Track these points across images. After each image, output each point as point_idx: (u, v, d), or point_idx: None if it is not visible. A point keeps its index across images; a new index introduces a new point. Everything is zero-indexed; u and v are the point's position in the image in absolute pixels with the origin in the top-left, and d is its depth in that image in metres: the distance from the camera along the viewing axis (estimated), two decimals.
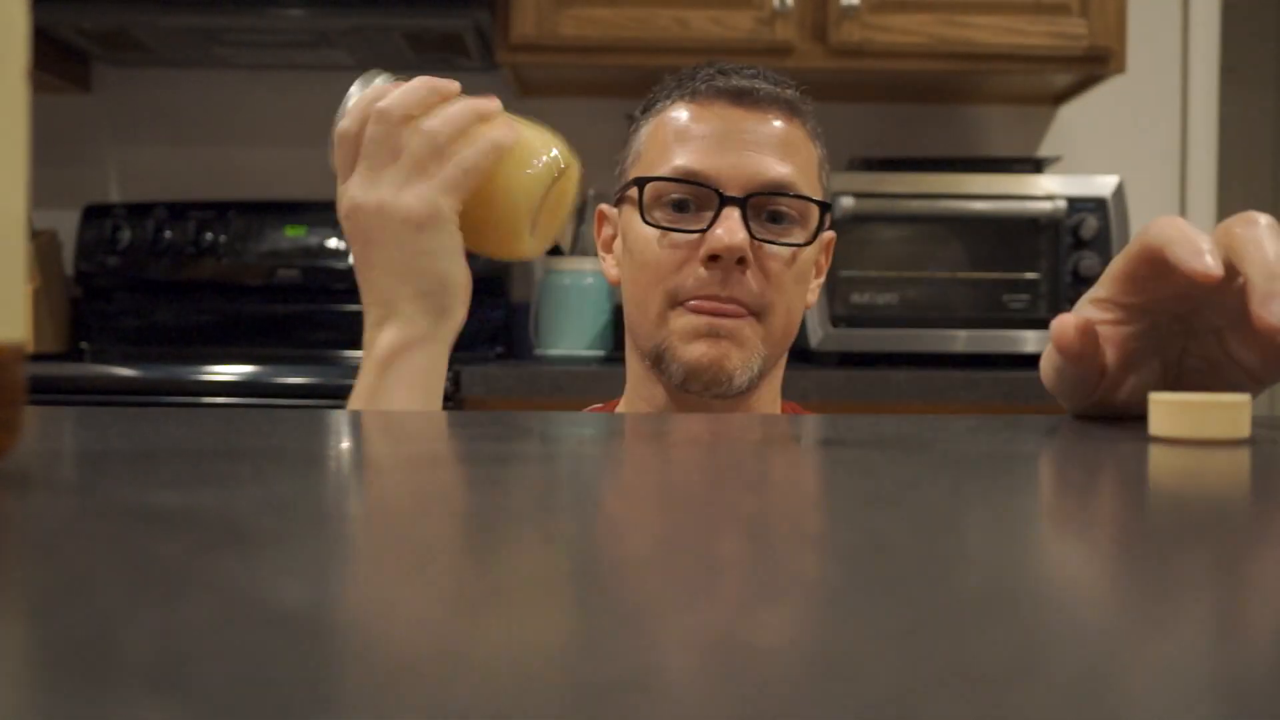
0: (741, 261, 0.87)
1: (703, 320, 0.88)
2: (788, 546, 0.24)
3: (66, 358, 1.85)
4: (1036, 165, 1.92)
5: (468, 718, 0.12)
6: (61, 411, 0.55)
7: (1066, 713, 0.13)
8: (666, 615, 0.17)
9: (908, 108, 2.25)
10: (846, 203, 1.76)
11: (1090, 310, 0.59)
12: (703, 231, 0.88)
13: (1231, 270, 0.50)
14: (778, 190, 0.89)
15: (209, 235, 1.95)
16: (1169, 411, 0.45)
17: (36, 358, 1.72)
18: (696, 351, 0.88)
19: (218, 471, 0.32)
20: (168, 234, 1.96)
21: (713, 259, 0.87)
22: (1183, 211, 2.25)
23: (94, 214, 2.01)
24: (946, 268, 1.81)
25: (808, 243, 0.90)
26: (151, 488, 0.29)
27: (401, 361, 0.72)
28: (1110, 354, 0.57)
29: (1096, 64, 1.92)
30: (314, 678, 0.14)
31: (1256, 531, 0.27)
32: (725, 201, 0.87)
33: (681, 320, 0.88)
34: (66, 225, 2.08)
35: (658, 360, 0.90)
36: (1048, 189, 1.82)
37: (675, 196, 0.90)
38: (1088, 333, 0.55)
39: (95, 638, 0.15)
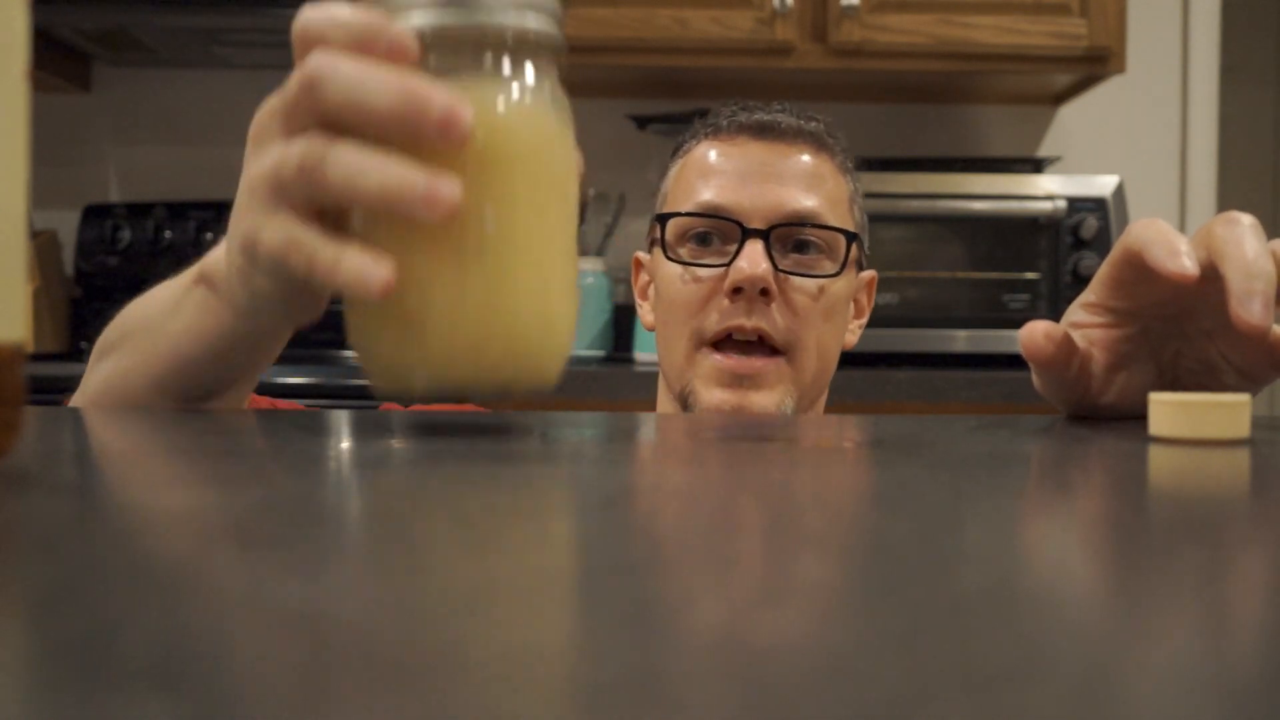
0: (765, 293, 0.85)
1: (726, 365, 0.86)
2: (788, 547, 0.24)
3: (66, 358, 1.85)
4: (1036, 165, 1.92)
5: (468, 718, 0.12)
6: (61, 411, 0.55)
7: (1066, 713, 0.13)
8: (667, 615, 0.17)
9: (908, 108, 2.25)
10: None
11: (1080, 314, 0.59)
12: (726, 265, 0.86)
13: (1216, 271, 0.50)
14: (802, 221, 0.87)
15: (209, 235, 1.95)
16: (1169, 411, 0.45)
17: (36, 358, 1.72)
18: (717, 398, 0.86)
19: (218, 471, 0.32)
20: (168, 234, 1.96)
21: (736, 291, 0.85)
22: (1182, 211, 2.25)
23: (94, 214, 2.01)
24: (946, 268, 1.81)
25: (836, 274, 0.88)
26: (151, 488, 0.29)
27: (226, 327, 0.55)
28: (1100, 357, 0.57)
29: (1096, 64, 1.92)
30: (314, 678, 0.14)
31: (1256, 531, 0.27)
32: (748, 234, 0.86)
33: (706, 363, 0.87)
34: (66, 225, 2.08)
35: (684, 403, 0.89)
36: (1048, 189, 1.82)
37: (699, 231, 0.89)
38: (1054, 338, 0.55)
39: (95, 638, 0.15)
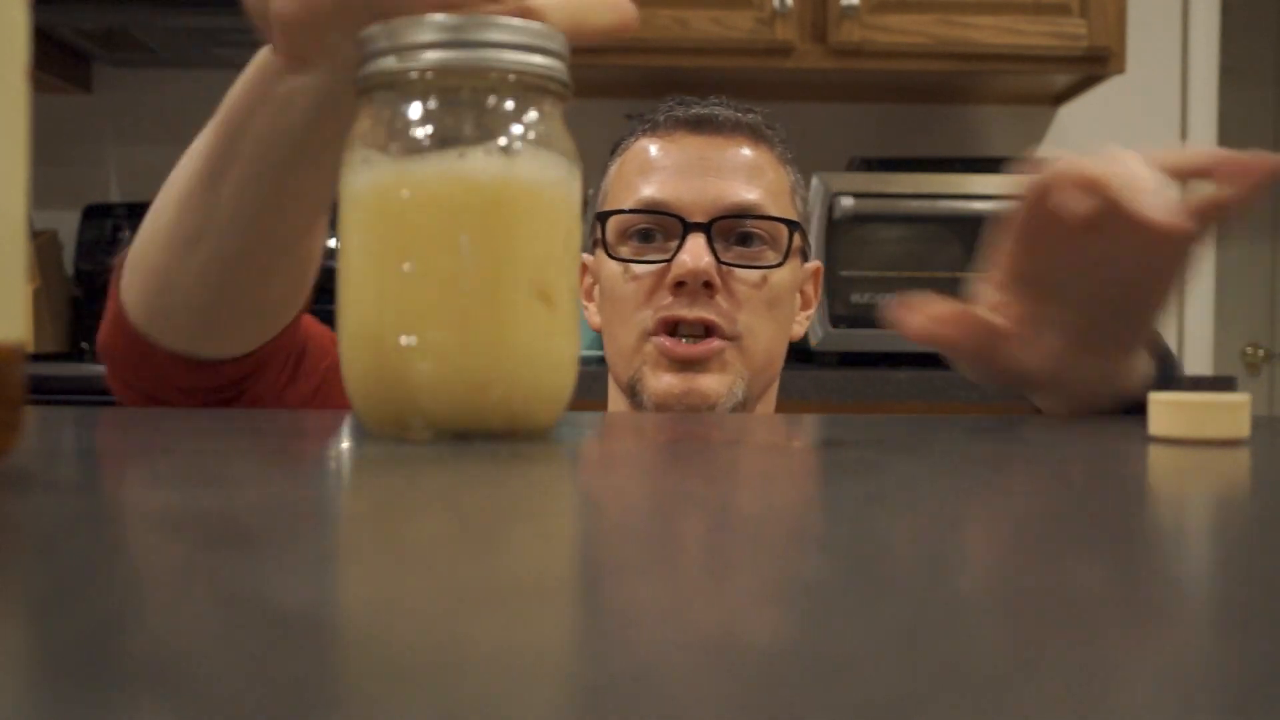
0: (709, 286, 0.85)
1: (674, 350, 0.85)
2: (787, 546, 0.24)
3: (66, 358, 1.85)
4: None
5: (468, 718, 0.12)
6: (61, 411, 0.55)
7: (1066, 713, 0.13)
8: (665, 615, 0.17)
9: (908, 108, 2.25)
10: (846, 203, 1.76)
11: (991, 294, 0.59)
12: (669, 261, 0.86)
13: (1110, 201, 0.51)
14: (743, 213, 0.87)
15: None
16: (1168, 411, 0.45)
17: (36, 358, 1.72)
18: (665, 383, 0.85)
19: (218, 471, 0.32)
20: None
21: (679, 285, 0.85)
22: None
23: (94, 214, 2.01)
24: (946, 268, 1.81)
25: (779, 264, 0.88)
26: (151, 488, 0.29)
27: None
28: (1012, 323, 0.58)
29: (1096, 64, 1.92)
30: (314, 678, 0.14)
31: (1256, 532, 0.27)
32: (690, 228, 0.86)
33: (652, 349, 0.86)
34: (66, 225, 2.08)
35: (632, 393, 0.88)
36: None
37: (641, 228, 0.88)
38: (918, 312, 0.56)
39: (95, 638, 0.15)
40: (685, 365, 0.85)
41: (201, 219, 0.57)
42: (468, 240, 0.41)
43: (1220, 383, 1.77)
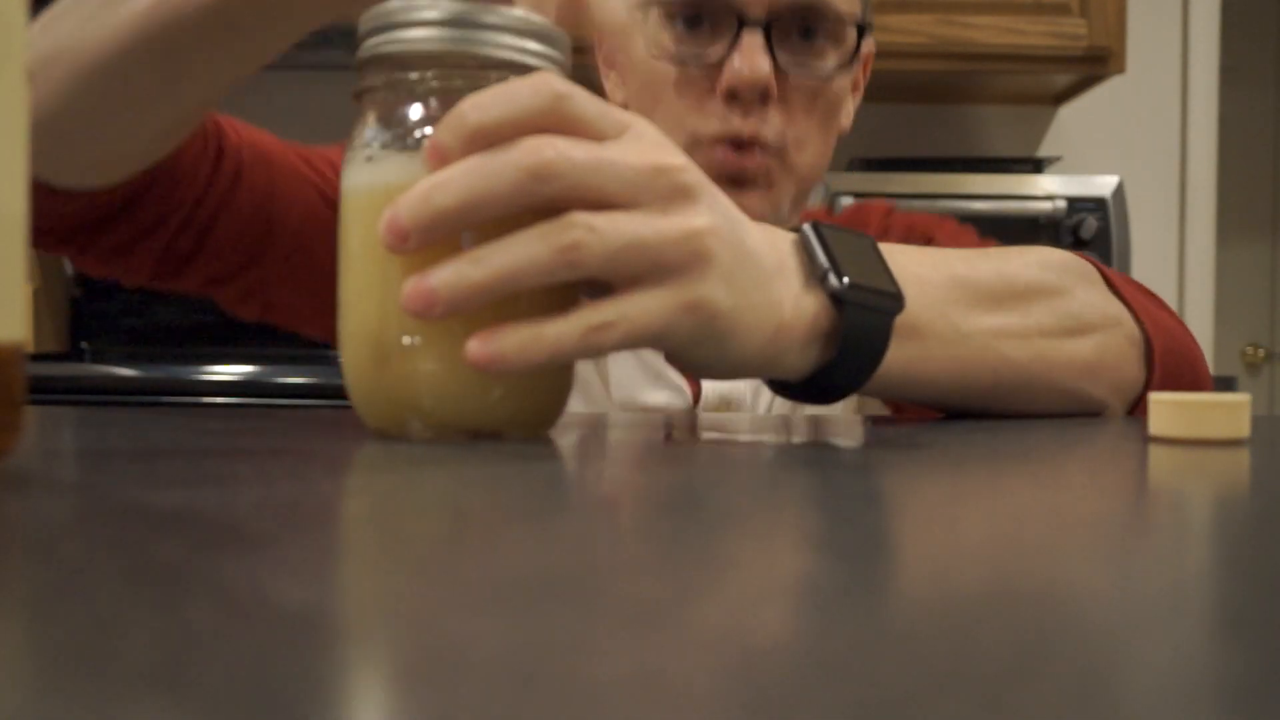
0: (765, 96, 0.76)
1: (725, 164, 0.76)
2: (787, 546, 0.24)
3: (66, 358, 1.85)
4: (1036, 165, 1.92)
5: (467, 718, 0.12)
6: (61, 411, 0.55)
7: (1066, 713, 0.13)
8: (665, 615, 0.17)
9: (908, 108, 2.25)
10: (846, 203, 1.76)
11: None
12: (720, 63, 0.75)
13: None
14: (806, 11, 0.76)
15: None
16: (1168, 411, 0.45)
17: (36, 358, 1.72)
18: None
19: (218, 471, 0.32)
20: None
21: (732, 93, 0.75)
22: (1182, 212, 2.25)
23: None
24: None
25: (840, 68, 0.79)
26: (151, 488, 0.29)
27: None
28: None
29: (1096, 64, 1.92)
30: (314, 678, 0.14)
31: (1256, 531, 0.27)
32: (745, 24, 0.75)
33: (701, 161, 0.76)
34: None
35: None
36: (1047, 189, 1.82)
37: (689, 13, 0.77)
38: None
39: (95, 638, 0.15)
40: (733, 183, 0.77)
41: (81, 31, 0.54)
42: (468, 239, 0.41)
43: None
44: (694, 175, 0.42)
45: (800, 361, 0.47)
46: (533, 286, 0.40)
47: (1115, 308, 0.62)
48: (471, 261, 0.39)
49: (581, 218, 0.40)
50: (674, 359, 0.45)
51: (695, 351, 0.44)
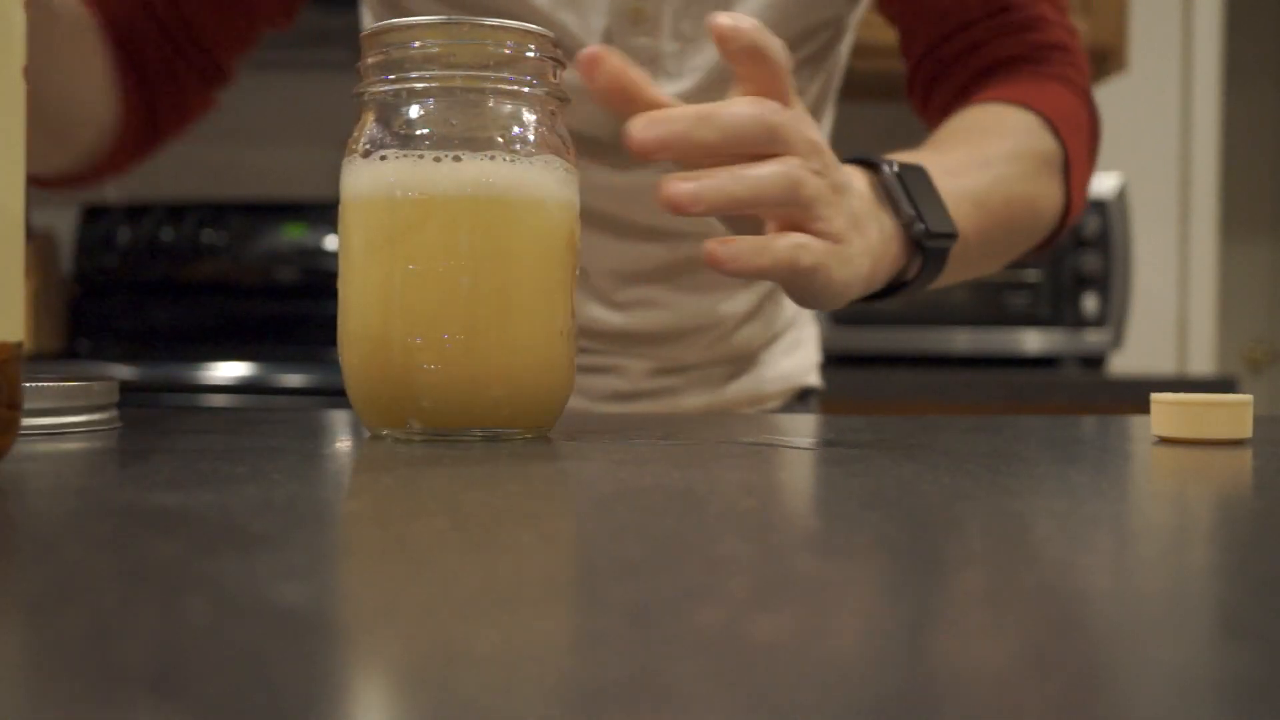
0: None
1: None
2: (788, 546, 0.24)
3: (65, 357, 1.85)
4: None
5: (467, 718, 0.12)
6: None
7: (1067, 712, 0.13)
8: (667, 615, 0.17)
9: (908, 108, 2.25)
10: None
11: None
12: None
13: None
14: None
15: (208, 235, 1.95)
16: (1170, 411, 0.45)
17: (35, 358, 1.72)
18: None
19: (218, 471, 0.32)
20: (166, 234, 1.96)
21: None
22: (1184, 212, 2.25)
23: (92, 214, 2.01)
24: None
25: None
26: (151, 488, 0.29)
27: None
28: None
29: (1098, 63, 1.92)
30: (314, 678, 0.14)
31: (1257, 531, 0.27)
32: None
33: None
34: (65, 225, 2.08)
35: None
36: None
37: None
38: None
39: (95, 638, 0.15)
40: None
41: None
42: (468, 241, 0.41)
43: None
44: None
45: (878, 285, 0.57)
46: (756, 210, 0.46)
47: (1058, 186, 0.72)
48: (733, 179, 0.44)
49: (799, 163, 0.46)
50: (794, 290, 0.50)
51: (825, 281, 0.49)
